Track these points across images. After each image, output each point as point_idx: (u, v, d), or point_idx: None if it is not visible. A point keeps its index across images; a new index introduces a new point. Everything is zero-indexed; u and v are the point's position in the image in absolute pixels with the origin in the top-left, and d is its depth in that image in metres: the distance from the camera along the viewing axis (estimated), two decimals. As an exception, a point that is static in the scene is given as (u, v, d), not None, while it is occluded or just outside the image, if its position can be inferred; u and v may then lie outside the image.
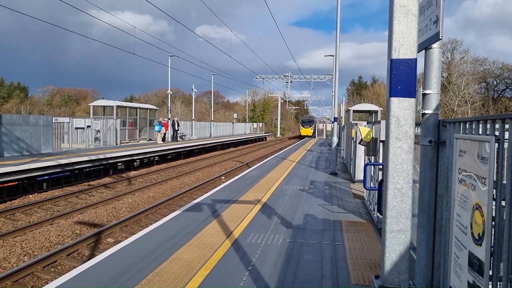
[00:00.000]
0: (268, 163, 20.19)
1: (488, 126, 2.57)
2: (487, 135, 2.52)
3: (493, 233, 2.44)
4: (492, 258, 2.36)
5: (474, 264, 2.51)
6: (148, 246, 6.59)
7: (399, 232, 2.46)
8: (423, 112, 3.52)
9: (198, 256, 6.12)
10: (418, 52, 3.01)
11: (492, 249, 2.36)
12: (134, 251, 6.31)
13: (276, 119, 78.29)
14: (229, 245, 6.70)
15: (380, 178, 7.71)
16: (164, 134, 32.18)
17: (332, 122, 18.60)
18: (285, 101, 58.68)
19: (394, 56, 2.44)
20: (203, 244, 6.70)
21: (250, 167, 19.33)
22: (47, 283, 5.55)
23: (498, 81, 59.20)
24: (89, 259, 6.98)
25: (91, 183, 17.55)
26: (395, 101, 2.45)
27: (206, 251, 6.37)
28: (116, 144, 27.80)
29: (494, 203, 2.48)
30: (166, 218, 8.42)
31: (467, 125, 2.90)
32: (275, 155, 26.03)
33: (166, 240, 6.88)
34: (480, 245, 2.44)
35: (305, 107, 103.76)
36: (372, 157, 9.17)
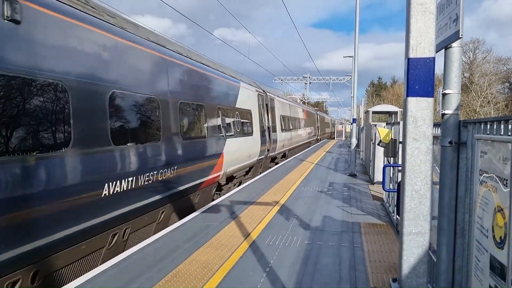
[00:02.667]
0: (287, 164, 20.14)
1: (510, 126, 2.50)
2: (510, 135, 2.45)
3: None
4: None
5: (496, 268, 2.45)
6: (167, 246, 6.63)
7: (417, 234, 2.42)
8: (443, 112, 3.46)
9: (216, 257, 6.12)
10: (438, 51, 2.95)
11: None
12: (153, 251, 6.36)
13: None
14: (247, 246, 6.69)
15: (399, 179, 7.61)
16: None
17: (351, 123, 18.45)
18: (304, 103, 58.46)
19: (411, 55, 2.40)
20: (221, 246, 6.71)
21: (271, 168, 19.32)
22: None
23: (522, 81, 57.96)
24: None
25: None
26: (412, 101, 2.41)
27: (224, 252, 6.37)
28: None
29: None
30: (185, 219, 8.46)
31: (489, 125, 2.83)
32: (293, 156, 25.96)
33: (185, 241, 6.91)
34: (502, 248, 2.37)
35: (324, 108, 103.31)
36: (391, 158, 9.05)
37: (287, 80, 67.83)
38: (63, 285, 5.25)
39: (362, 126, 27.94)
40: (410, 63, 2.40)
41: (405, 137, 2.43)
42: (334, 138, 63.10)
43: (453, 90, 3.43)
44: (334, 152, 29.54)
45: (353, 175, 16.03)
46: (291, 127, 27.32)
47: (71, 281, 5.41)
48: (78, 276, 5.68)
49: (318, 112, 52.69)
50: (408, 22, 2.39)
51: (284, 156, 25.72)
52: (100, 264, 6.14)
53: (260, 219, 8.53)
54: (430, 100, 2.39)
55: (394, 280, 2.57)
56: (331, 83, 67.72)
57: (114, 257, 6.32)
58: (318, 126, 48.87)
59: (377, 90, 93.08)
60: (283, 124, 24.02)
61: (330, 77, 67.06)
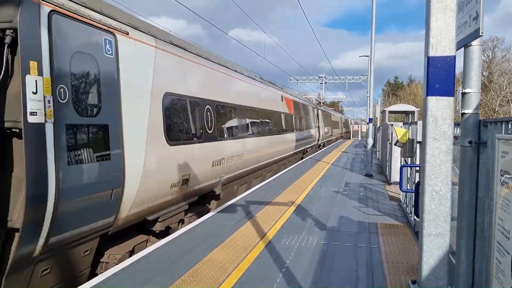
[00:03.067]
0: (303, 164, 20.08)
1: (532, 125, 2.45)
2: (532, 135, 2.40)
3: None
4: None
5: (518, 271, 2.40)
6: (183, 246, 6.66)
7: (437, 236, 2.38)
8: (463, 111, 3.41)
9: (232, 258, 6.13)
10: (457, 49, 2.91)
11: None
12: (170, 251, 6.39)
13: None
14: (263, 246, 6.68)
15: (417, 180, 7.52)
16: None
17: (367, 123, 18.31)
18: (319, 102, 58.18)
19: (432, 53, 2.36)
20: (237, 246, 6.71)
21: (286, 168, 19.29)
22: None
23: (542, 79, 56.79)
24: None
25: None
26: (432, 100, 2.37)
27: (240, 252, 6.38)
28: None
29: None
30: (202, 219, 8.49)
31: (510, 125, 2.78)
32: (309, 156, 25.87)
33: (201, 241, 6.94)
34: (525, 250, 2.32)
35: (339, 108, 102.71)
36: (409, 158, 8.96)
37: (303, 80, 67.56)
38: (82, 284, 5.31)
39: (378, 126, 27.71)
40: (430, 61, 2.36)
41: (425, 137, 2.39)
42: (350, 138, 62.85)
43: (473, 89, 3.38)
44: (350, 152, 29.35)
45: (369, 175, 15.91)
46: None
47: (88, 281, 5.46)
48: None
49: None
50: (428, 21, 2.36)
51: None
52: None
53: (276, 219, 8.52)
54: (450, 99, 2.35)
55: (414, 282, 2.54)
56: (347, 83, 67.27)
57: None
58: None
59: (394, 89, 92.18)
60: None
61: (346, 77, 66.59)
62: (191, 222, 8.89)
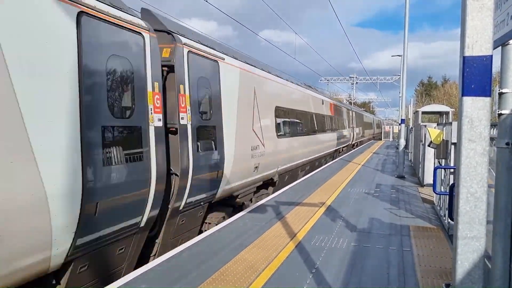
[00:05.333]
0: (333, 165, 19.93)
1: None
2: None
3: None
4: None
5: (558, 276, 2.33)
6: (213, 245, 6.73)
7: (473, 239, 2.33)
8: (500, 112, 3.32)
9: (261, 258, 6.16)
10: (494, 48, 2.84)
11: None
12: (201, 250, 6.48)
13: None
14: (293, 247, 6.68)
15: (451, 182, 7.36)
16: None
17: (399, 124, 18.00)
18: (350, 103, 57.61)
19: (467, 53, 2.32)
20: (267, 246, 6.74)
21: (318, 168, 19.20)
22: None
23: None
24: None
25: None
26: (468, 101, 2.33)
27: (270, 252, 6.40)
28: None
29: None
30: (232, 219, 8.57)
31: (550, 126, 2.70)
32: (339, 157, 25.65)
33: (231, 241, 7.00)
34: None
35: (371, 109, 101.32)
36: (443, 160, 8.77)
37: (333, 80, 67.01)
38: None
39: (411, 126, 27.19)
40: (466, 61, 2.32)
41: (460, 138, 2.35)
42: (381, 139, 61.98)
43: (510, 89, 3.28)
44: (381, 153, 28.94)
45: (401, 177, 15.65)
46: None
47: (119, 279, 5.60)
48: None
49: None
50: (464, 20, 2.32)
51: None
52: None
53: (306, 219, 8.50)
54: (487, 99, 2.30)
55: (447, 286, 2.50)
56: (378, 83, 66.31)
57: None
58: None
59: (427, 89, 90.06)
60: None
61: (378, 77, 65.63)
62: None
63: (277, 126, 13.58)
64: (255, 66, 12.08)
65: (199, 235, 7.40)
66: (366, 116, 53.55)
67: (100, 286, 5.68)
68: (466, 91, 2.33)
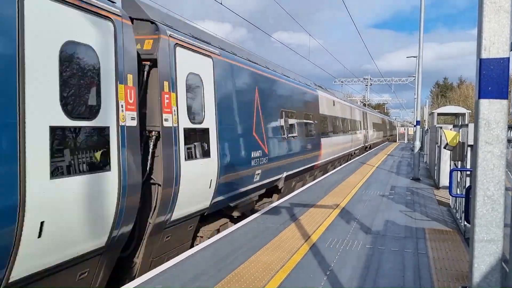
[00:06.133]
0: (347, 167, 19.85)
1: None
2: None
3: None
4: None
5: None
6: (228, 247, 6.76)
7: (489, 241, 2.32)
8: (517, 114, 3.29)
9: (276, 259, 6.17)
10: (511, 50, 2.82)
11: None
12: (215, 251, 6.51)
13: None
14: (307, 249, 6.68)
15: (467, 184, 7.28)
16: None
17: (415, 126, 17.85)
18: (364, 104, 57.27)
19: (484, 55, 2.31)
20: (281, 247, 6.75)
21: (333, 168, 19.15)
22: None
23: None
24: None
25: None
26: (484, 103, 2.32)
27: (284, 254, 6.40)
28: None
29: None
30: (246, 220, 8.59)
31: None
32: (354, 159, 25.52)
33: (246, 242, 7.02)
34: None
35: (385, 110, 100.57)
36: (459, 162, 8.68)
37: (347, 82, 66.67)
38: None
39: (426, 128, 26.94)
40: (483, 63, 2.31)
41: (477, 140, 2.34)
42: (395, 140, 61.52)
43: (529, 91, 3.26)
44: (396, 155, 28.71)
45: (416, 179, 15.51)
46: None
47: (135, 279, 5.65)
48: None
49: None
50: (480, 22, 2.31)
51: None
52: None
53: (320, 221, 8.49)
54: (504, 102, 2.29)
55: (464, 289, 2.48)
56: (393, 85, 65.78)
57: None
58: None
59: (443, 90, 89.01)
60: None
61: (392, 78, 65.11)
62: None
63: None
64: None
65: (214, 236, 7.43)
66: (379, 117, 52.67)
67: None
68: (483, 93, 2.32)
